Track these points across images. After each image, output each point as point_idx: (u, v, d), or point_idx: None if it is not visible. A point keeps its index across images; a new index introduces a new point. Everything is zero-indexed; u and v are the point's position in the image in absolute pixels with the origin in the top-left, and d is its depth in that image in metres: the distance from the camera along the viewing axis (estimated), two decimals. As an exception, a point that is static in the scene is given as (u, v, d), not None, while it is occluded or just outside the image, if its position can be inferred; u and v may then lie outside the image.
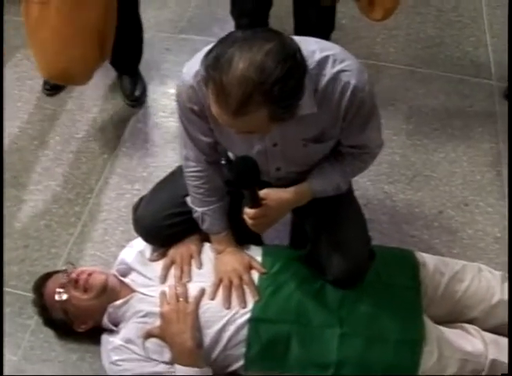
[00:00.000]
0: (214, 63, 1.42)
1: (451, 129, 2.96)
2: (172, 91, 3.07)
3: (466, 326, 2.12)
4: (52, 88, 3.15)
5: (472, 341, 2.05)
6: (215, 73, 1.42)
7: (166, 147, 2.89)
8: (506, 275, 2.22)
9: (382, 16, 2.59)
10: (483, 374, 2.01)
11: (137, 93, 3.08)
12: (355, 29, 3.39)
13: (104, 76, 3.18)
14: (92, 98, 3.12)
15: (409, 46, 3.37)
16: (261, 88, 1.40)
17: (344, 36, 3.27)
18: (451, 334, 2.06)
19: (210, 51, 1.46)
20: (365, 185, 2.71)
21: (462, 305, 2.14)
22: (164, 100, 3.10)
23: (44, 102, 3.10)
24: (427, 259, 2.19)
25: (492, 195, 2.69)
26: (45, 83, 3.15)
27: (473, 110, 3.05)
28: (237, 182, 1.76)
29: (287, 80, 1.42)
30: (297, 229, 2.34)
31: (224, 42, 1.44)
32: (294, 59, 1.44)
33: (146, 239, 2.22)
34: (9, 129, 2.97)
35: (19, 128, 2.98)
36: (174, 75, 3.09)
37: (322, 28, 2.86)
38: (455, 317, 2.16)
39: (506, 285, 2.16)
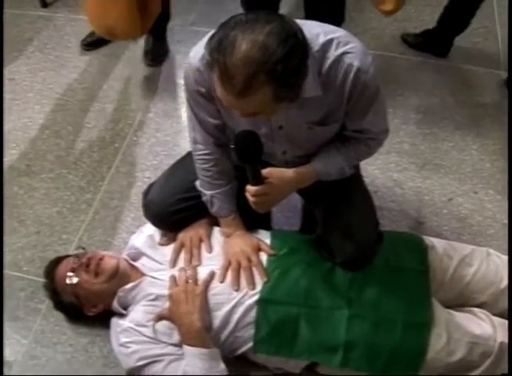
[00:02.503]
0: (218, 46, 1.44)
1: (460, 118, 2.97)
2: (182, 81, 3.09)
3: (475, 310, 2.12)
4: (90, 45, 3.35)
5: (481, 325, 2.05)
6: (219, 56, 1.43)
7: (176, 136, 2.91)
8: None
9: (392, 8, 2.62)
10: (492, 357, 2.00)
11: (157, 53, 3.19)
12: (365, 21, 3.41)
13: (115, 67, 3.22)
14: (103, 89, 3.14)
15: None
16: (264, 67, 1.41)
17: (354, 27, 3.28)
18: (460, 317, 2.06)
19: (213, 35, 1.48)
20: (374, 173, 2.72)
21: (470, 289, 2.14)
22: (174, 90, 3.12)
23: (55, 92, 3.13)
24: (436, 243, 2.19)
25: (501, 182, 2.70)
26: (84, 39, 3.35)
27: (482, 99, 3.05)
28: (239, 155, 1.75)
29: (290, 59, 1.43)
30: (307, 215, 2.35)
31: (226, 26, 1.46)
32: (296, 39, 1.45)
33: (156, 224, 2.23)
34: (22, 119, 3.01)
35: (31, 119, 3.01)
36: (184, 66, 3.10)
37: (332, 20, 2.84)
38: (464, 301, 2.15)
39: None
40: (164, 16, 3.07)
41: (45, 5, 3.64)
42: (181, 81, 3.13)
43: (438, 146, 2.85)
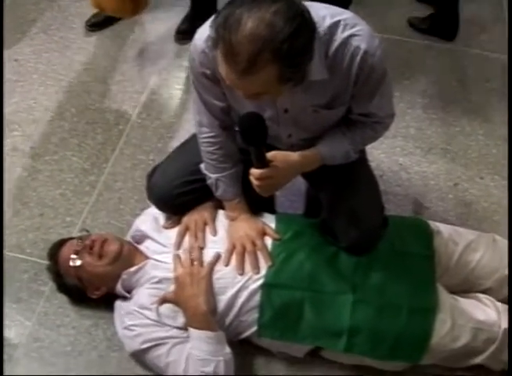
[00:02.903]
0: (224, 23, 1.42)
1: (467, 103, 2.95)
2: (187, 64, 3.07)
3: (480, 296, 2.11)
4: (94, 25, 3.33)
5: (486, 311, 2.04)
6: (224, 32, 1.42)
7: (181, 118, 2.90)
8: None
9: None
10: (496, 343, 1.99)
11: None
12: (372, 3, 3.37)
13: (119, 48, 3.20)
14: (107, 70, 3.13)
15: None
16: (269, 45, 1.40)
17: (361, 10, 3.22)
18: (465, 303, 2.05)
19: (219, 12, 1.46)
20: (380, 157, 2.70)
21: (476, 274, 2.13)
22: (179, 73, 3.10)
23: (59, 74, 3.11)
24: (441, 228, 2.18)
25: (507, 168, 2.67)
26: (88, 20, 3.34)
27: (490, 84, 3.03)
28: (243, 137, 1.73)
29: (296, 37, 1.42)
30: (312, 199, 2.34)
31: (233, 3, 1.44)
32: (303, 18, 1.43)
33: (160, 207, 2.22)
34: (26, 101, 2.99)
35: (35, 100, 3.00)
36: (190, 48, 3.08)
37: (340, 2, 2.84)
38: (469, 287, 2.15)
39: (520, 255, 2.15)
40: None
41: (48, -15, 3.61)
42: (184, 63, 3.11)
43: (445, 131, 2.83)
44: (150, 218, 2.24)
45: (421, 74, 3.07)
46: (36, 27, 3.35)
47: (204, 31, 1.66)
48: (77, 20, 3.38)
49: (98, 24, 3.33)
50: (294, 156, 1.88)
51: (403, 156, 2.73)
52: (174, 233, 2.15)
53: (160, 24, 3.36)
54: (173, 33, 3.27)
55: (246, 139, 1.73)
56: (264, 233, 2.08)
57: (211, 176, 2.06)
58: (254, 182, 1.84)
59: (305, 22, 1.44)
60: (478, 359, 2.03)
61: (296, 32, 1.41)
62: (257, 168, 1.81)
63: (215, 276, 2.00)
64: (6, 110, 2.93)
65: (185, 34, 3.14)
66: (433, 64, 3.13)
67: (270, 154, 1.82)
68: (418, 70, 3.09)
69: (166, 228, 2.19)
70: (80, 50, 3.23)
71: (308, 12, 1.46)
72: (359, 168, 2.09)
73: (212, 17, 1.52)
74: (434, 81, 3.04)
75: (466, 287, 2.15)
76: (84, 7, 3.42)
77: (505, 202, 2.57)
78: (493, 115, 2.89)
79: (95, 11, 3.23)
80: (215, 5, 3.12)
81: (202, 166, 2.08)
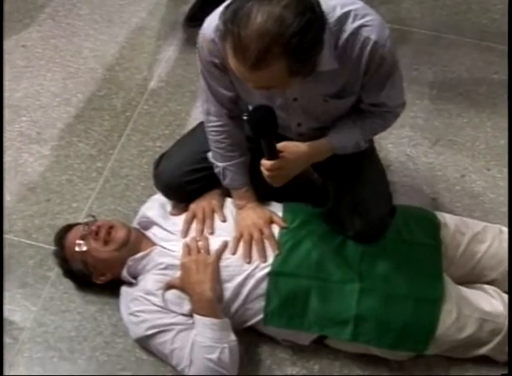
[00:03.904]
0: (233, 17, 1.41)
1: (475, 95, 2.93)
2: (196, 50, 3.06)
3: (486, 287, 2.11)
4: None
5: (491, 302, 2.04)
6: (233, 26, 1.41)
7: (188, 106, 2.88)
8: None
9: None
10: (501, 334, 2.00)
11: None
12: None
13: (126, 35, 3.19)
14: (115, 56, 3.11)
15: (435, 12, 3.32)
16: (279, 40, 1.39)
17: (370, 1, 3.23)
18: (471, 293, 2.05)
19: (228, 5, 1.45)
20: (388, 147, 2.69)
21: (482, 266, 2.13)
22: (187, 60, 3.09)
23: (67, 60, 3.10)
24: (448, 219, 2.18)
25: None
26: None
27: (498, 76, 3.01)
28: (254, 130, 1.75)
29: (306, 32, 1.41)
30: (319, 189, 2.34)
31: None
32: (313, 12, 1.42)
33: (166, 194, 2.23)
34: (33, 87, 2.98)
35: (42, 86, 2.99)
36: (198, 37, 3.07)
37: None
38: (475, 278, 2.15)
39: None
40: None
41: (56, -29, 3.60)
42: (194, 50, 3.08)
43: (452, 122, 2.81)
44: (157, 205, 2.25)
45: (430, 65, 3.05)
46: (44, 13, 3.33)
47: (213, 20, 1.65)
48: (84, 7, 3.36)
49: None
50: (304, 146, 1.89)
51: (411, 147, 2.72)
52: (181, 220, 2.16)
53: (168, 11, 3.35)
54: (181, 19, 3.26)
55: (257, 131, 1.74)
56: (271, 222, 2.08)
57: (219, 165, 2.06)
58: (265, 172, 1.85)
59: (315, 16, 1.43)
60: (483, 350, 2.03)
61: (306, 27, 1.40)
62: (268, 159, 1.83)
63: (222, 263, 2.00)
64: (15, 95, 2.92)
65: (194, 20, 3.12)
66: (442, 55, 3.10)
67: (280, 145, 1.83)
68: (427, 61, 3.06)
69: (173, 215, 2.20)
70: (87, 37, 3.21)
71: (319, 6, 1.46)
72: (367, 157, 2.09)
73: (221, 7, 1.52)
74: (443, 73, 3.02)
75: (472, 278, 2.15)
76: (91, -6, 3.43)
77: (511, 194, 2.57)
78: (501, 107, 2.86)
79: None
80: None
81: (209, 155, 2.08)
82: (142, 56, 3.12)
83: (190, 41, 3.16)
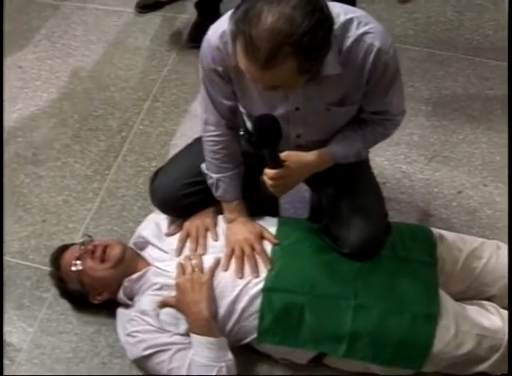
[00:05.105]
0: (244, 17, 1.43)
1: (470, 111, 2.93)
2: (191, 70, 3.08)
3: (484, 303, 2.10)
4: (144, 7, 3.47)
5: (490, 318, 2.03)
6: (245, 26, 1.42)
7: (184, 126, 2.90)
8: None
9: None
10: (500, 351, 1.98)
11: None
12: (375, 11, 3.36)
13: (122, 55, 3.21)
14: (111, 77, 3.13)
15: (428, 29, 3.34)
16: (290, 39, 1.41)
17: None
18: (469, 309, 2.04)
19: (238, 6, 1.47)
20: (383, 164, 2.69)
21: (480, 282, 2.12)
22: (182, 80, 3.10)
23: (62, 81, 3.12)
24: (445, 235, 2.17)
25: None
26: (138, 2, 3.48)
27: (493, 92, 3.02)
28: (258, 139, 1.76)
29: (316, 31, 1.43)
30: (316, 206, 2.33)
31: None
32: (322, 12, 1.44)
33: (163, 209, 2.22)
34: (29, 108, 3.00)
35: (38, 107, 3.00)
36: (193, 53, 3.08)
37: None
38: (473, 294, 2.14)
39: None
40: None
41: (53, -7, 3.64)
42: (189, 70, 3.11)
43: (448, 139, 2.82)
44: (152, 224, 2.24)
45: (425, 81, 3.06)
46: (40, 34, 3.36)
47: (219, 27, 1.68)
48: (79, 28, 3.40)
49: (148, 6, 3.46)
50: (307, 155, 1.90)
51: (406, 163, 2.72)
52: (175, 238, 2.15)
53: (162, 31, 3.38)
54: (176, 40, 3.28)
55: (262, 140, 1.76)
56: (262, 237, 2.08)
57: (213, 176, 2.06)
58: (268, 182, 1.87)
59: (324, 16, 1.45)
60: (482, 367, 2.01)
61: (316, 26, 1.42)
62: (271, 168, 1.83)
63: (215, 281, 2.00)
64: (11, 116, 2.93)
65: (195, 41, 3.15)
66: (436, 72, 3.11)
67: (283, 154, 1.85)
68: (422, 78, 3.08)
69: (168, 235, 2.19)
70: (82, 57, 3.24)
71: (327, 7, 1.47)
72: (362, 174, 2.10)
73: (227, 14, 1.56)
74: (438, 89, 3.03)
75: (470, 295, 2.14)
76: (87, 15, 3.44)
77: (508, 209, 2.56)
78: (496, 123, 2.87)
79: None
80: (218, 11, 3.13)
81: (203, 166, 2.08)
82: (138, 76, 3.14)
83: (185, 61, 3.18)
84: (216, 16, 1.81)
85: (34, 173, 2.73)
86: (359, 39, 1.62)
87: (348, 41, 1.62)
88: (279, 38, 1.40)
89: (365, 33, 1.62)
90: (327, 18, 1.47)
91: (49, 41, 3.32)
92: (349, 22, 1.61)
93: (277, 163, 1.83)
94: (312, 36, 1.42)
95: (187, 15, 3.43)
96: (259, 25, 1.40)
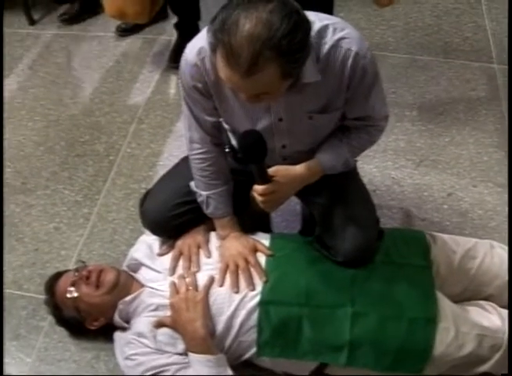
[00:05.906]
0: (221, 27, 1.43)
1: (455, 113, 2.96)
2: (174, 90, 3.09)
3: (482, 303, 2.09)
4: (124, 31, 3.51)
5: (489, 317, 2.02)
6: (223, 36, 1.43)
7: (171, 146, 2.90)
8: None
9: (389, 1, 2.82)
10: (502, 349, 1.97)
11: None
12: (354, 21, 3.40)
13: (105, 80, 3.21)
14: (95, 102, 3.14)
15: (407, 35, 3.38)
16: (269, 43, 1.41)
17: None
18: (467, 310, 2.03)
19: (215, 17, 1.47)
20: (372, 172, 2.70)
21: (476, 282, 2.12)
22: (166, 101, 3.11)
23: (47, 109, 3.12)
24: (438, 238, 2.17)
25: (501, 174, 2.68)
26: (118, 26, 3.51)
27: (476, 93, 3.04)
28: (244, 156, 1.76)
29: (295, 33, 1.43)
30: (307, 219, 2.33)
31: (228, 7, 1.45)
32: (298, 14, 1.44)
33: (154, 230, 2.21)
34: (16, 137, 3.00)
35: (25, 136, 3.00)
36: (176, 73, 3.11)
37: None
38: (470, 295, 2.13)
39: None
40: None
41: (32, 22, 3.67)
42: (172, 90, 3.12)
43: (435, 142, 2.83)
44: (144, 246, 2.23)
45: (407, 87, 3.09)
46: (22, 64, 3.38)
47: (195, 45, 1.69)
48: (61, 55, 3.41)
49: (128, 30, 3.50)
50: (296, 169, 1.90)
51: (395, 169, 2.73)
52: (168, 258, 2.14)
53: (144, 53, 3.40)
54: (158, 61, 3.30)
55: (248, 156, 1.75)
56: (255, 250, 2.07)
57: (202, 193, 2.05)
58: (258, 198, 1.86)
59: (301, 18, 1.46)
60: (484, 368, 2.00)
61: (294, 28, 1.42)
62: (260, 184, 1.83)
63: (211, 298, 1.98)
64: (-4, 147, 2.93)
65: (177, 61, 3.17)
66: (418, 77, 3.14)
67: (271, 170, 1.85)
68: (404, 84, 3.10)
69: (160, 255, 2.18)
70: (66, 84, 3.25)
71: (302, 10, 1.48)
72: (351, 182, 2.09)
73: (202, 31, 1.56)
74: (421, 94, 3.05)
75: (467, 296, 2.13)
76: (67, 42, 3.45)
77: (499, 208, 2.57)
78: (482, 123, 2.89)
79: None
80: (198, 30, 3.14)
81: (192, 184, 2.08)
82: (122, 99, 3.15)
83: (168, 81, 3.19)
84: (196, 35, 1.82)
85: (24, 202, 2.72)
86: (336, 45, 1.62)
87: (325, 48, 1.62)
88: (258, 44, 1.40)
89: (342, 38, 1.62)
90: (304, 20, 1.47)
91: (32, 70, 3.33)
92: (324, 29, 1.62)
93: (265, 178, 1.82)
94: (291, 38, 1.42)
95: (167, 36, 3.48)
96: (238, 33, 1.40)
